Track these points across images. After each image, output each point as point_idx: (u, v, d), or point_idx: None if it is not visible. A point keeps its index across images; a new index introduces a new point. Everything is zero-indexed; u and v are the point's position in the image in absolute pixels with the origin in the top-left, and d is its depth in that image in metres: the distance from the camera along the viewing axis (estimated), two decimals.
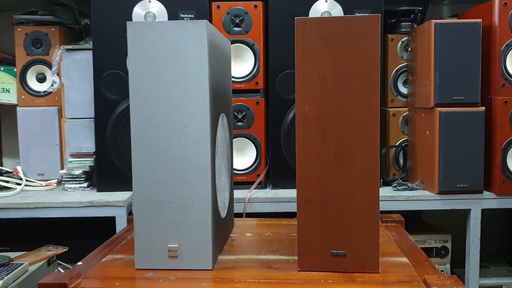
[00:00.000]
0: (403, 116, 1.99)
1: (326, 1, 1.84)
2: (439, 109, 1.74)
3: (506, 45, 1.78)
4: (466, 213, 1.82)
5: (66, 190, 1.90)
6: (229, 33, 1.86)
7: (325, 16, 1.82)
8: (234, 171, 1.87)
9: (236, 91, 1.87)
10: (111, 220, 1.73)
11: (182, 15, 1.83)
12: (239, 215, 1.70)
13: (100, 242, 1.18)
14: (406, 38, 1.97)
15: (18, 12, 2.07)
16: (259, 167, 1.89)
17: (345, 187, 0.93)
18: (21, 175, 1.95)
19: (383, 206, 1.76)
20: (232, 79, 1.86)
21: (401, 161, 1.99)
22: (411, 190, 1.85)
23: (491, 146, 1.81)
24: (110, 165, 1.84)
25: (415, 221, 2.21)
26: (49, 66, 2.00)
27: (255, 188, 1.86)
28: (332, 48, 0.92)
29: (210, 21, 1.84)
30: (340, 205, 0.94)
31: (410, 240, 1.16)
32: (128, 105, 1.36)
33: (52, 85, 1.99)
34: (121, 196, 1.77)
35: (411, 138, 1.96)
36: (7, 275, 1.30)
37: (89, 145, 1.95)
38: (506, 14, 1.77)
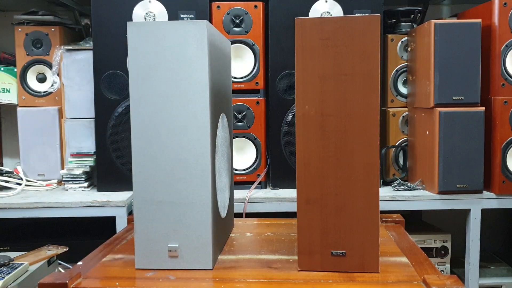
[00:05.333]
0: (403, 116, 1.99)
1: (326, 1, 1.85)
2: (439, 109, 1.75)
3: (506, 45, 1.78)
4: (466, 213, 1.82)
5: (66, 190, 1.90)
6: (229, 33, 1.86)
7: (325, 16, 1.83)
8: (234, 171, 1.87)
9: (236, 91, 1.87)
10: (111, 220, 1.73)
11: (182, 15, 1.83)
12: (239, 215, 1.71)
13: (100, 242, 1.18)
14: (406, 38, 1.97)
15: (18, 12, 2.07)
16: (259, 167, 1.89)
17: (345, 187, 0.93)
18: (22, 175, 1.95)
19: (383, 206, 1.76)
20: (232, 79, 1.86)
21: (401, 161, 1.99)
22: (411, 190, 1.85)
23: (491, 146, 1.81)
24: (110, 165, 1.84)
25: (415, 221, 2.22)
26: (50, 66, 2.00)
27: (255, 188, 1.87)
28: (332, 48, 0.92)
29: (210, 21, 1.85)
30: (340, 205, 0.94)
31: (410, 240, 1.16)
32: (128, 105, 1.36)
33: (52, 85, 1.99)
34: (121, 196, 1.77)
35: (411, 138, 1.96)
36: (7, 275, 1.30)
37: (89, 145, 1.95)
38: (506, 14, 1.77)
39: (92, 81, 1.85)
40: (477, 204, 1.79)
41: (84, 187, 1.91)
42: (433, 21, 1.75)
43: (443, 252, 1.97)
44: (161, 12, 1.83)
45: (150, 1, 1.83)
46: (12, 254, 1.47)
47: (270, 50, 1.86)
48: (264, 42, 1.88)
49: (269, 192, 1.84)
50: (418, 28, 1.86)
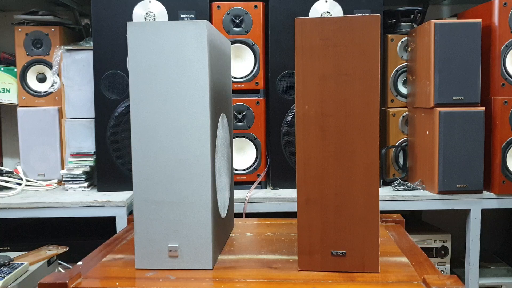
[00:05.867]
0: (403, 116, 1.99)
1: (326, 1, 1.85)
2: (439, 109, 1.75)
3: (506, 45, 1.78)
4: (466, 213, 1.82)
5: (67, 190, 1.90)
6: (229, 33, 1.86)
7: (325, 16, 1.83)
8: (234, 171, 1.87)
9: (236, 91, 1.87)
10: (111, 220, 1.73)
11: (182, 15, 1.83)
12: (239, 215, 1.71)
13: (100, 242, 1.18)
14: (406, 38, 1.97)
15: (19, 12, 2.07)
16: (259, 167, 1.89)
17: (345, 187, 0.93)
18: (22, 175, 1.95)
19: (383, 206, 1.76)
20: (232, 79, 1.86)
21: (401, 161, 1.99)
22: (411, 190, 1.85)
23: (491, 146, 1.81)
24: (110, 165, 1.84)
25: (415, 221, 2.22)
26: (50, 66, 2.00)
27: (255, 188, 1.87)
28: (332, 48, 0.92)
29: (210, 21, 1.85)
30: (340, 205, 0.94)
31: (410, 240, 1.16)
32: (128, 105, 1.36)
33: (52, 85, 1.99)
34: (121, 196, 1.78)
35: (411, 138, 1.96)
36: (7, 275, 1.30)
37: (89, 145, 1.95)
38: (506, 14, 1.77)
39: (92, 81, 1.85)
40: (477, 204, 1.79)
41: (84, 187, 1.91)
42: (433, 21, 1.75)
43: (443, 252, 1.97)
44: (161, 12, 1.83)
45: (150, 1, 1.83)
46: (12, 254, 1.47)
47: (270, 50, 1.86)
48: (264, 42, 1.88)
49: (269, 192, 1.84)
50: (418, 28, 1.86)
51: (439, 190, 1.77)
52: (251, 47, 1.87)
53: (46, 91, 2.02)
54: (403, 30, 2.00)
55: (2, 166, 2.24)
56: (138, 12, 1.83)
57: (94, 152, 1.93)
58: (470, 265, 1.82)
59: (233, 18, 1.86)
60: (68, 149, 1.96)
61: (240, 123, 1.87)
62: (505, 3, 1.77)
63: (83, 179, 1.91)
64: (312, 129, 0.93)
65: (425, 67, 1.80)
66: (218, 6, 1.85)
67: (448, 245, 1.98)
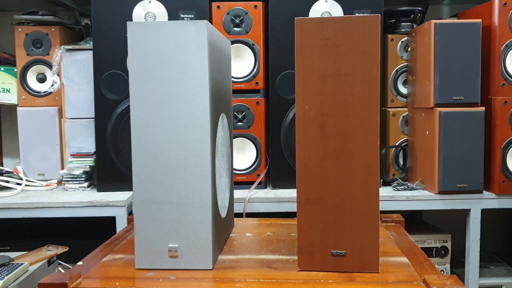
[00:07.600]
0: (403, 116, 1.99)
1: (326, 1, 1.85)
2: (439, 109, 1.75)
3: (506, 45, 1.78)
4: (466, 213, 1.82)
5: (67, 190, 1.90)
6: (229, 33, 1.86)
7: (325, 16, 1.83)
8: (234, 171, 1.87)
9: (236, 91, 1.87)
10: (111, 220, 1.73)
11: (182, 15, 1.83)
12: (239, 215, 1.71)
13: (100, 242, 1.18)
14: (406, 38, 1.97)
15: (19, 12, 2.07)
16: (259, 167, 1.89)
17: (345, 187, 0.93)
18: (22, 175, 1.95)
19: (383, 206, 1.76)
20: (232, 79, 1.86)
21: (401, 161, 1.99)
22: (411, 190, 1.85)
23: (490, 146, 1.81)
24: (110, 165, 1.84)
25: (415, 221, 2.22)
26: (50, 66, 2.00)
27: (255, 188, 1.87)
28: (332, 48, 0.92)
29: (210, 21, 1.85)
30: (340, 205, 0.94)
31: (410, 240, 1.16)
32: (128, 105, 1.36)
33: (52, 85, 1.99)
34: (121, 196, 1.77)
35: (411, 138, 1.96)
36: (7, 275, 1.30)
37: (89, 145, 1.95)
38: (506, 14, 1.77)
39: (92, 81, 1.85)
40: (477, 204, 1.79)
41: (84, 187, 1.91)
42: (433, 21, 1.75)
43: (443, 252, 1.97)
44: (161, 12, 1.83)
45: (150, 1, 1.83)
46: (12, 254, 1.47)
47: (270, 50, 1.86)
48: (264, 42, 1.88)
49: (269, 192, 1.84)
50: (418, 28, 1.86)
51: (439, 190, 1.77)
52: (251, 47, 1.87)
53: (46, 91, 2.02)
54: (403, 30, 2.00)
55: (2, 166, 2.24)
56: (138, 12, 1.83)
57: (94, 152, 1.93)
58: (470, 265, 1.82)
59: (233, 18, 1.86)
60: (68, 149, 1.96)
61: (240, 123, 1.87)
62: (505, 3, 1.77)
63: (83, 179, 1.91)
64: (312, 129, 0.93)
65: (425, 67, 1.80)
66: (218, 6, 1.85)
67: (448, 245, 1.98)
